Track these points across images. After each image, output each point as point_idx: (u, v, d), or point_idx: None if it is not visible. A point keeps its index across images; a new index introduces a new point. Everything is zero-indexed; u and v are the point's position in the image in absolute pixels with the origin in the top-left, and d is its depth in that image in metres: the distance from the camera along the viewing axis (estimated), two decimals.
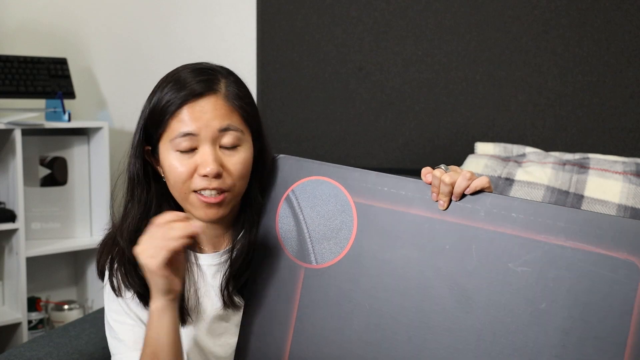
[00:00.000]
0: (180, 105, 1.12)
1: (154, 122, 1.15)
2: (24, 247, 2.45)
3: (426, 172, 1.08)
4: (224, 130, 1.13)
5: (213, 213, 1.15)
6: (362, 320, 1.10)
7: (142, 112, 1.18)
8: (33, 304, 2.62)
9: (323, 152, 2.53)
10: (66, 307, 2.67)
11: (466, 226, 1.04)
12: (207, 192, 1.13)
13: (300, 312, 1.15)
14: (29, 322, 2.56)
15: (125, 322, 1.22)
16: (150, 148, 1.19)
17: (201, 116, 1.12)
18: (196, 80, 1.14)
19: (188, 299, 1.23)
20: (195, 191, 1.13)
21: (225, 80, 1.16)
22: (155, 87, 1.18)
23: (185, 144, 1.12)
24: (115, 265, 1.21)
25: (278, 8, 2.59)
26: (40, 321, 2.62)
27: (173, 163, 1.14)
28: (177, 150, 1.13)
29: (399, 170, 2.19)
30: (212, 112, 1.12)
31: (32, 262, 2.57)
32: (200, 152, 1.12)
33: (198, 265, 1.25)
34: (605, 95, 2.16)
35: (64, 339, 1.65)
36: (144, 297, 1.20)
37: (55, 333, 1.69)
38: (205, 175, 1.12)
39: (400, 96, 2.41)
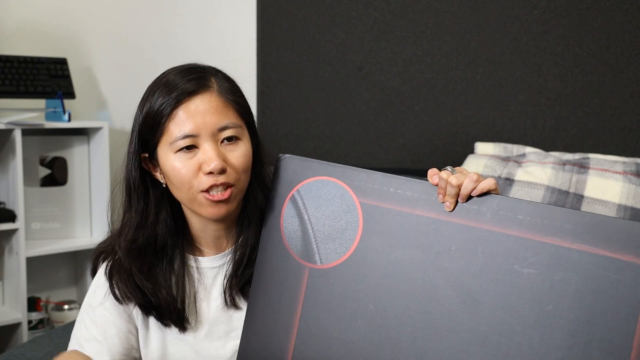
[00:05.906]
0: (175, 106, 1.12)
1: (149, 128, 1.15)
2: (24, 247, 2.45)
3: (432, 173, 1.08)
4: (223, 129, 1.13)
5: (222, 210, 1.15)
6: (366, 321, 1.09)
7: (135, 120, 1.17)
8: (33, 304, 2.62)
9: (323, 152, 2.53)
10: (66, 307, 2.67)
11: (472, 228, 1.04)
12: (214, 191, 1.13)
13: (304, 313, 1.14)
14: (29, 322, 2.56)
15: (90, 332, 1.23)
16: (147, 155, 1.18)
17: (197, 114, 1.12)
18: (186, 79, 1.14)
19: (187, 305, 1.22)
20: (202, 191, 1.13)
21: (215, 77, 1.16)
22: (145, 94, 1.17)
23: (186, 145, 1.12)
24: (115, 276, 1.20)
25: (278, 8, 2.59)
26: (40, 321, 2.62)
27: (176, 165, 1.13)
28: (178, 152, 1.13)
29: (399, 170, 2.19)
30: (208, 108, 1.12)
31: (32, 262, 2.57)
32: (202, 150, 1.12)
33: (199, 269, 1.24)
34: (605, 95, 2.16)
35: (64, 339, 1.64)
36: (146, 307, 1.20)
37: (55, 333, 1.69)
38: (210, 173, 1.11)
39: (400, 96, 2.41)
